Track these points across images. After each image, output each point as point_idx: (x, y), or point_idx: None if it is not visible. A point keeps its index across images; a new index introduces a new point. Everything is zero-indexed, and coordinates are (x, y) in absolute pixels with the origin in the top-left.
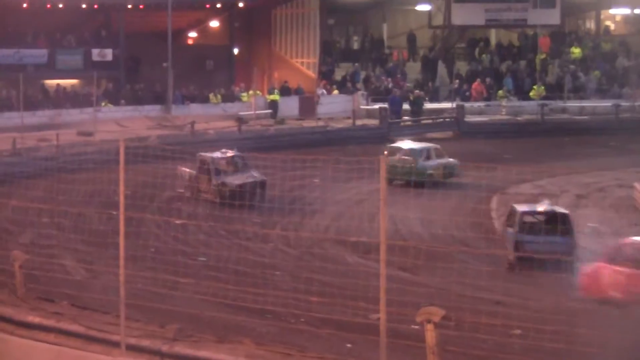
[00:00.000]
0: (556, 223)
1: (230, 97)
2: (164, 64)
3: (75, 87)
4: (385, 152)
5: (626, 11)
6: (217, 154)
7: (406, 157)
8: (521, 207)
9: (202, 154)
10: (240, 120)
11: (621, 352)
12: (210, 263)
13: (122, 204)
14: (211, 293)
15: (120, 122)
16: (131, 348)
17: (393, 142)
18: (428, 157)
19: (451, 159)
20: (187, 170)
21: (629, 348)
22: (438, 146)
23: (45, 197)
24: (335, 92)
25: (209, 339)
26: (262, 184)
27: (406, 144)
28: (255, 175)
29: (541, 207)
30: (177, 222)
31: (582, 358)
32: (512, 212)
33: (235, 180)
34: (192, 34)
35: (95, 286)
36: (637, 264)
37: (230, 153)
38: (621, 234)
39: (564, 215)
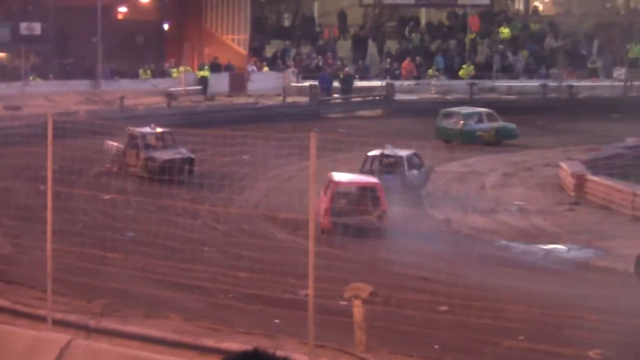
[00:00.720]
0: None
1: (161, 73)
2: (94, 39)
3: (3, 61)
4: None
5: None
6: (147, 129)
7: (458, 120)
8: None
9: (132, 128)
10: (170, 96)
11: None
12: (138, 238)
13: (50, 178)
14: (139, 268)
15: (49, 97)
16: (58, 323)
17: (323, 119)
18: (480, 121)
19: (507, 123)
20: (115, 144)
21: None
22: (491, 111)
23: None
24: (266, 69)
25: (136, 314)
26: (191, 161)
27: (460, 108)
28: (183, 151)
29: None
30: (106, 197)
31: (508, 333)
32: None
33: (163, 155)
34: (122, 9)
35: (22, 261)
36: None
37: (159, 129)
38: (546, 212)
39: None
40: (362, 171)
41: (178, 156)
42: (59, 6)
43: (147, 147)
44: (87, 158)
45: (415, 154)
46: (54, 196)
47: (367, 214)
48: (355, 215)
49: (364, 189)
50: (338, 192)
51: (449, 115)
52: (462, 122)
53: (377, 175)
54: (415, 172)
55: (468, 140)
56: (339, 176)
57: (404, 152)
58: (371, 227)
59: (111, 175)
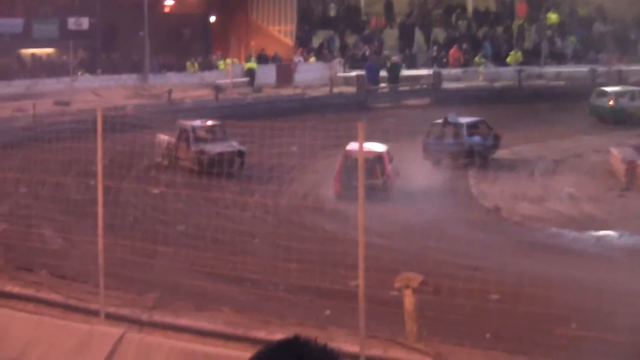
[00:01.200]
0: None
1: (208, 66)
2: (141, 33)
3: (52, 57)
4: (594, 94)
5: None
6: (197, 122)
7: (610, 99)
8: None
9: (182, 121)
10: (218, 88)
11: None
12: (188, 231)
13: (100, 173)
14: (190, 261)
15: (97, 92)
16: (110, 317)
17: (371, 109)
18: (632, 99)
19: None
20: (166, 137)
21: None
22: None
23: (23, 167)
24: (312, 59)
25: (187, 307)
26: (241, 154)
27: (614, 88)
28: (234, 144)
29: None
30: (155, 190)
31: (559, 321)
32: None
33: (214, 148)
34: (169, 2)
35: (74, 255)
36: None
37: (210, 122)
38: (597, 199)
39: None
40: (426, 140)
41: (229, 149)
42: (106, 0)
43: (198, 140)
44: (136, 152)
45: (481, 121)
46: (104, 191)
47: (374, 179)
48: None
49: (370, 157)
50: (347, 159)
51: (602, 93)
52: (612, 100)
53: (438, 142)
54: (477, 138)
55: (619, 118)
56: (351, 145)
57: (465, 119)
58: (377, 190)
59: (160, 169)
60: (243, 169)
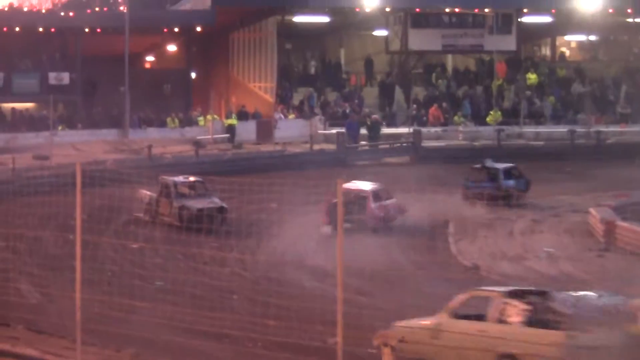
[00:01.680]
0: None
1: (188, 121)
2: (121, 88)
3: (32, 111)
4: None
5: (581, 38)
6: (179, 178)
7: None
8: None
9: (164, 177)
10: (198, 144)
11: None
12: (167, 287)
13: (79, 227)
14: (168, 317)
15: (77, 146)
16: None
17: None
18: None
19: None
20: (148, 193)
21: None
22: None
23: (1, 221)
24: (292, 116)
25: None
26: (222, 210)
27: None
28: (216, 200)
29: None
30: (134, 245)
31: None
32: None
33: (196, 204)
34: (150, 58)
35: (51, 310)
36: None
37: (192, 178)
38: (576, 258)
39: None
40: (466, 182)
41: (210, 205)
42: (87, 56)
43: (180, 196)
44: (115, 207)
45: (514, 167)
46: (82, 245)
47: (353, 215)
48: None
49: (356, 196)
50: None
51: None
52: None
53: (476, 185)
54: (511, 181)
55: None
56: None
57: (501, 165)
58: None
59: (139, 224)
60: (224, 225)
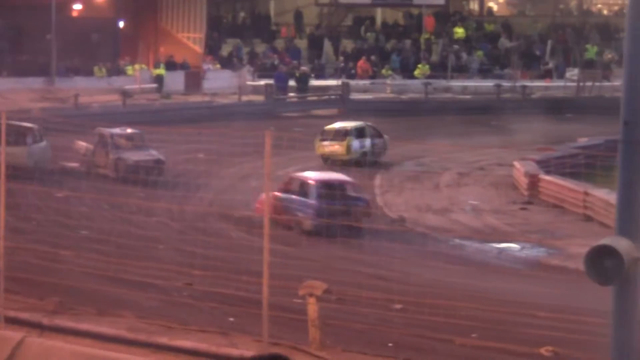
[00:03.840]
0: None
1: (116, 71)
2: (48, 36)
3: None
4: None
5: None
6: (116, 130)
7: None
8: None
9: (101, 128)
10: (125, 94)
11: None
12: (92, 236)
13: (3, 175)
14: (93, 266)
15: (2, 94)
16: (10, 321)
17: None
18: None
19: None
20: (84, 144)
21: None
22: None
23: None
24: (217, 66)
25: (90, 312)
26: (160, 162)
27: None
28: (153, 153)
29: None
30: (59, 194)
31: (460, 331)
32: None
33: (132, 156)
34: (77, 6)
35: None
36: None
37: (129, 130)
38: (500, 211)
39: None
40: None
41: (148, 157)
42: (12, 3)
43: (117, 147)
44: None
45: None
46: (7, 193)
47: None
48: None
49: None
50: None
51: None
52: None
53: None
54: (365, 142)
55: None
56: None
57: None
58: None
59: (67, 173)
60: (162, 177)
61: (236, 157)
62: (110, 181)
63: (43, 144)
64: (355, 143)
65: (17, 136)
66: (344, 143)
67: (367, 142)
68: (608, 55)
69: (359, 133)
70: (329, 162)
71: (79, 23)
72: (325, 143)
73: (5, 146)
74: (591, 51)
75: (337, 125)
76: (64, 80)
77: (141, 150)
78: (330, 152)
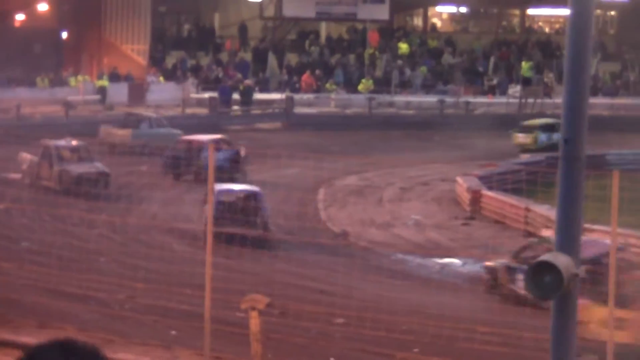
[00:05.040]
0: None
1: (59, 82)
2: None
3: None
4: None
5: (452, 9)
6: (61, 142)
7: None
8: None
9: (46, 140)
10: (68, 105)
11: None
12: (33, 248)
13: None
14: (33, 278)
15: None
16: None
17: (222, 131)
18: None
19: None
20: (29, 156)
21: None
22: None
23: None
24: (161, 78)
25: (30, 325)
26: (105, 175)
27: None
28: (98, 165)
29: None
30: (0, 206)
31: (402, 346)
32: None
33: (77, 168)
34: (20, 17)
35: None
36: None
37: (74, 142)
38: (442, 226)
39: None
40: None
41: (92, 170)
42: None
43: (61, 159)
44: None
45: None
46: None
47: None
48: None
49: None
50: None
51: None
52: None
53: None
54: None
55: None
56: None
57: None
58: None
59: (8, 184)
60: (107, 190)
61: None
62: (53, 193)
63: None
64: (542, 136)
65: None
66: (532, 136)
67: (555, 135)
68: (549, 74)
69: (547, 128)
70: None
71: (21, 33)
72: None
73: None
74: (525, 67)
75: (530, 122)
76: (6, 91)
77: (85, 162)
78: (521, 143)
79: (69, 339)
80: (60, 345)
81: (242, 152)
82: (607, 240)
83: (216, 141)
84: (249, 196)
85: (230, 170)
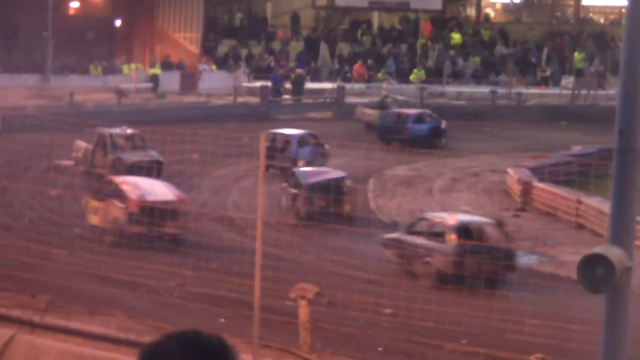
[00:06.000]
0: None
1: (111, 70)
2: (44, 34)
3: None
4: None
5: (506, 0)
6: (116, 130)
7: None
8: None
9: (101, 128)
10: (120, 92)
11: None
12: (85, 234)
13: None
14: (84, 264)
15: None
16: (1, 318)
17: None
18: None
19: None
20: (84, 144)
21: None
22: None
23: None
24: (214, 67)
25: (80, 311)
26: (159, 164)
27: None
28: (152, 154)
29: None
30: (53, 192)
31: (450, 337)
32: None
33: (131, 157)
34: (74, 4)
35: None
36: None
37: (129, 130)
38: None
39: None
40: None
41: (146, 158)
42: (9, 0)
43: (116, 148)
44: (34, 153)
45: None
46: None
47: None
48: None
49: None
50: None
51: None
52: None
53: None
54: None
55: None
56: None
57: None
58: None
59: (60, 171)
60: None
61: (230, 158)
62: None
63: None
64: None
65: None
66: None
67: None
68: (601, 67)
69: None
70: None
71: (75, 21)
72: None
73: None
74: (578, 59)
75: None
76: (59, 78)
77: (140, 150)
78: None
79: (189, 331)
80: (178, 340)
81: (443, 125)
82: None
83: (419, 114)
84: (338, 179)
85: (432, 141)
